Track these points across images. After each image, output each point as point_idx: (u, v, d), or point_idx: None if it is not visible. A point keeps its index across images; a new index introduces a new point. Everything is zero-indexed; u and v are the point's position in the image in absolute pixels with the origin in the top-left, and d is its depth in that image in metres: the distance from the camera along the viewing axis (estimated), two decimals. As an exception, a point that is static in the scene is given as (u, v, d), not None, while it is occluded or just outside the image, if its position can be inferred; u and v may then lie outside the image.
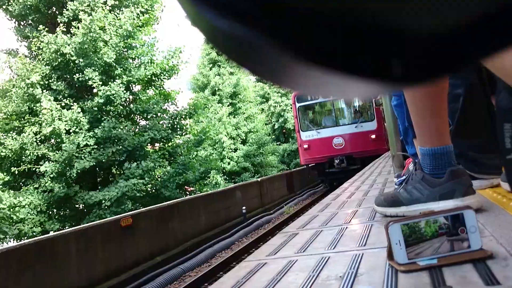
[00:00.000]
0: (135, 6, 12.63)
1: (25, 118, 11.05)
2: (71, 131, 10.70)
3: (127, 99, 12.03)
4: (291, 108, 22.02)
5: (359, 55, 0.17)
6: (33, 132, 10.58)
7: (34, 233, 9.82)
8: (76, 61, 11.09)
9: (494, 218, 1.27)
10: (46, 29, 11.20)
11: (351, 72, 0.17)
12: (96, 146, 10.88)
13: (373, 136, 13.07)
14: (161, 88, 13.39)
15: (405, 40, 0.17)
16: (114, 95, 11.11)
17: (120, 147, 11.13)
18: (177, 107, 13.50)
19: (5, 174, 10.98)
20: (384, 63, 0.17)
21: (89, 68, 11.05)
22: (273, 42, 0.17)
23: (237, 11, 0.17)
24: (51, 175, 10.35)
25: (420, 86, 0.18)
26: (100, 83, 11.10)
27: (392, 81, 0.18)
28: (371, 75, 0.17)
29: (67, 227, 10.25)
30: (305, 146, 13.81)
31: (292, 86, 0.21)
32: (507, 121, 0.70)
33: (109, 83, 11.36)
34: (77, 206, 11.16)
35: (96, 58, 11.15)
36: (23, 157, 10.61)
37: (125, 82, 11.73)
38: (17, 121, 11.20)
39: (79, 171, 10.37)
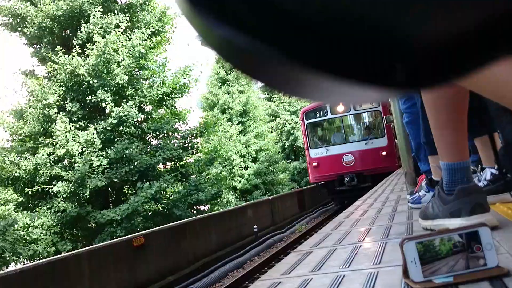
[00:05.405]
0: (147, 27, 12.85)
1: (39, 139, 11.17)
2: (85, 152, 10.80)
3: (139, 119, 12.15)
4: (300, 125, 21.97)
5: (363, 60, 0.17)
6: (46, 153, 10.71)
7: (48, 254, 9.84)
8: (90, 82, 11.27)
9: (510, 235, 1.26)
10: (63, 50, 11.43)
11: (355, 78, 0.17)
12: (108, 166, 10.97)
13: (384, 153, 12.85)
14: (173, 107, 13.49)
15: (409, 45, 0.17)
16: (127, 116, 11.26)
17: (132, 167, 11.20)
18: (189, 127, 13.53)
19: (18, 195, 11.09)
20: (388, 68, 0.17)
21: (101, 90, 11.22)
22: (277, 51, 0.17)
23: (237, 20, 0.17)
24: (64, 195, 10.42)
25: (423, 91, 0.20)
26: (113, 104, 11.26)
27: (396, 86, 0.18)
28: (375, 81, 0.18)
29: (79, 248, 10.26)
30: (314, 163, 13.62)
31: (298, 94, 0.21)
32: None
33: (122, 104, 11.51)
34: (89, 225, 11.19)
35: (108, 79, 11.34)
36: (37, 178, 10.69)
37: (138, 104, 11.87)
38: (31, 142, 11.33)
39: (92, 190, 10.44)
